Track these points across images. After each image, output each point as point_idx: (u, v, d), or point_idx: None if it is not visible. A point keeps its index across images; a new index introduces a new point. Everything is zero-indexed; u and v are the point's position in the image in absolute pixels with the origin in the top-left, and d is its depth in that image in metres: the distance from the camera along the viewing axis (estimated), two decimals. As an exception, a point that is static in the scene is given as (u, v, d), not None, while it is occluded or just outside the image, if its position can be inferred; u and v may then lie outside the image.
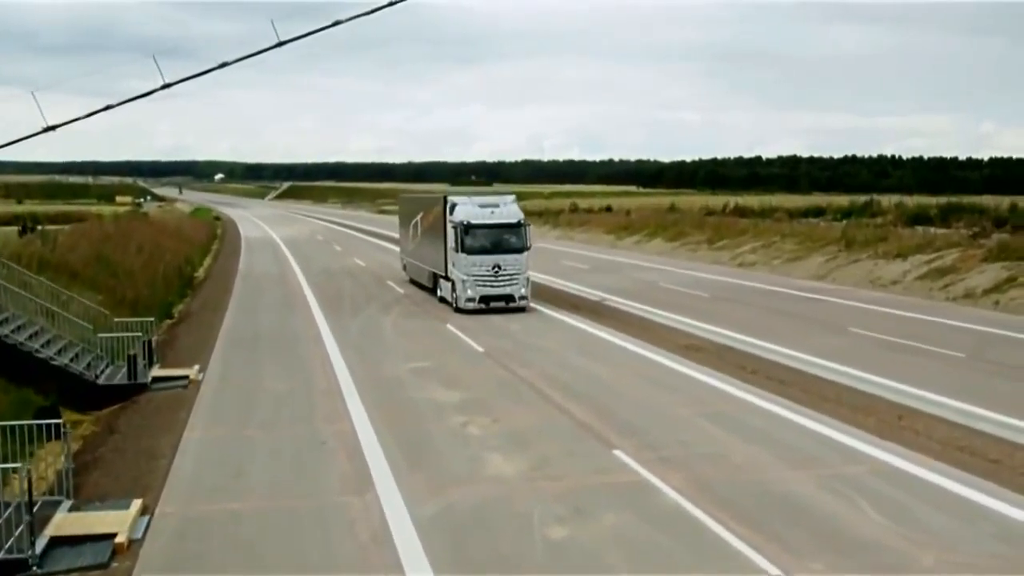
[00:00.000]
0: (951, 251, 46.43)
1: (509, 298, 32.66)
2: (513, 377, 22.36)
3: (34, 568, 11.67)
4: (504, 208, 33.60)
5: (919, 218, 62.73)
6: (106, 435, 18.65)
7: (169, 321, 36.55)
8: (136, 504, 13.58)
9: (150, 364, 23.35)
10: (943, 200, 63.67)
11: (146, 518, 13.27)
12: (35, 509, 12.07)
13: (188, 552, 12.15)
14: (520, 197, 35.71)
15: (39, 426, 18.01)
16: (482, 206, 33.61)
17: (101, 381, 22.19)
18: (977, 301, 38.78)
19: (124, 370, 22.91)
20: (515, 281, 32.61)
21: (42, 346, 21.95)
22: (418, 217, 40.32)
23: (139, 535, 12.69)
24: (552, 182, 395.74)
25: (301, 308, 35.64)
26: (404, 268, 45.07)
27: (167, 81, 19.24)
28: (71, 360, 22.25)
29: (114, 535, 12.45)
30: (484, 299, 32.32)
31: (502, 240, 32.89)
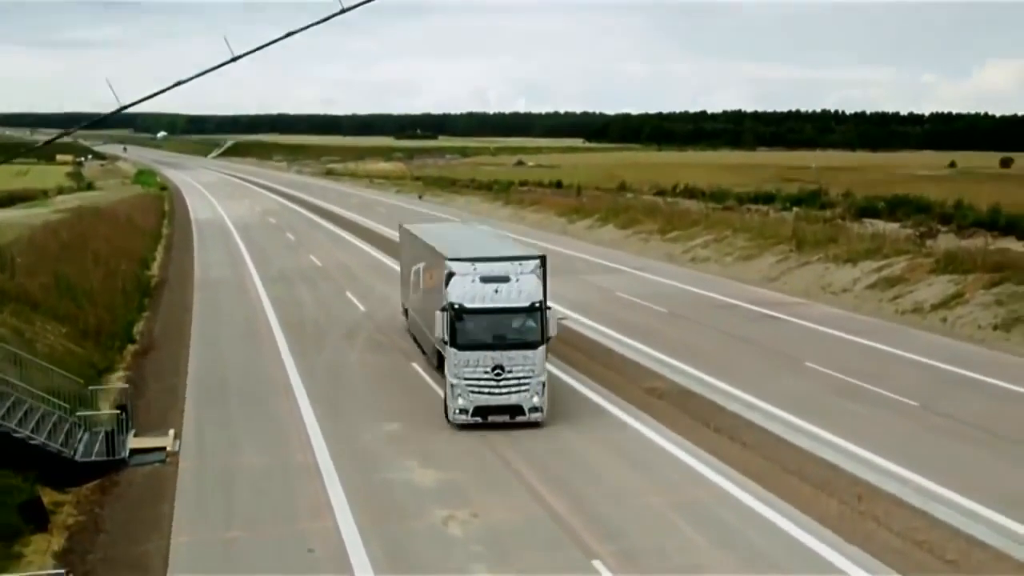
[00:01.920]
0: (899, 259, 47.70)
1: (516, 410, 23.92)
2: (494, 456, 22.94)
3: None
4: (516, 284, 24.64)
5: (867, 211, 64.04)
6: (93, 535, 18.93)
7: (132, 346, 36.64)
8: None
9: (126, 430, 23.52)
10: (889, 195, 64.86)
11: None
12: None
13: None
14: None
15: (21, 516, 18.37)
16: (486, 279, 24.68)
17: (79, 458, 22.40)
18: (925, 316, 40.15)
19: (100, 442, 23.11)
20: (524, 387, 23.86)
21: (19, 422, 22.10)
22: (421, 266, 31.61)
23: None
24: (498, 135, 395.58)
25: (265, 339, 35.81)
26: (404, 313, 36.76)
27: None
28: (48, 436, 22.43)
29: None
30: (480, 411, 23.88)
31: (508, 330, 24.20)
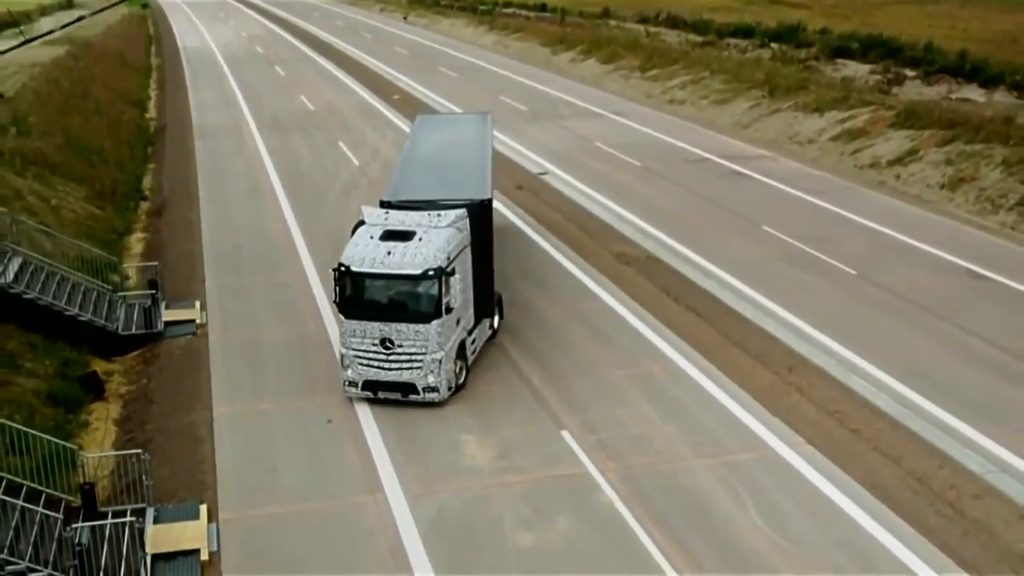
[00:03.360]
0: (864, 110, 50.39)
1: (408, 388, 21.19)
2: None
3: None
4: (415, 245, 21.14)
5: (841, 51, 66.05)
6: (146, 405, 22.64)
7: (145, 204, 39.74)
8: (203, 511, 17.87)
9: (157, 304, 26.90)
10: (863, 33, 66.70)
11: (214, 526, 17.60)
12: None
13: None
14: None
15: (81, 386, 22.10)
16: (387, 236, 21.54)
17: (122, 331, 25.87)
18: (881, 172, 43.29)
19: (139, 315, 26.52)
20: (417, 365, 20.99)
21: (67, 300, 25.50)
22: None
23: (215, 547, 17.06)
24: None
25: (268, 197, 38.77)
26: None
27: None
28: (92, 311, 25.85)
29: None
30: (370, 386, 21.37)
31: (397, 300, 21.18)
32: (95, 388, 23.33)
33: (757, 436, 20.45)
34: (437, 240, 21.29)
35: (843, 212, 36.66)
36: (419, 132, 31.71)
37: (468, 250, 22.47)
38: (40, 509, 16.03)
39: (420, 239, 21.29)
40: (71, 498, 17.71)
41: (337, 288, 21.12)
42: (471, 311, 22.86)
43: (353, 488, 18.73)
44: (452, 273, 20.91)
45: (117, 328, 25.70)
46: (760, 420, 21.08)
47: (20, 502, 15.95)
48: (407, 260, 20.79)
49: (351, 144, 48.27)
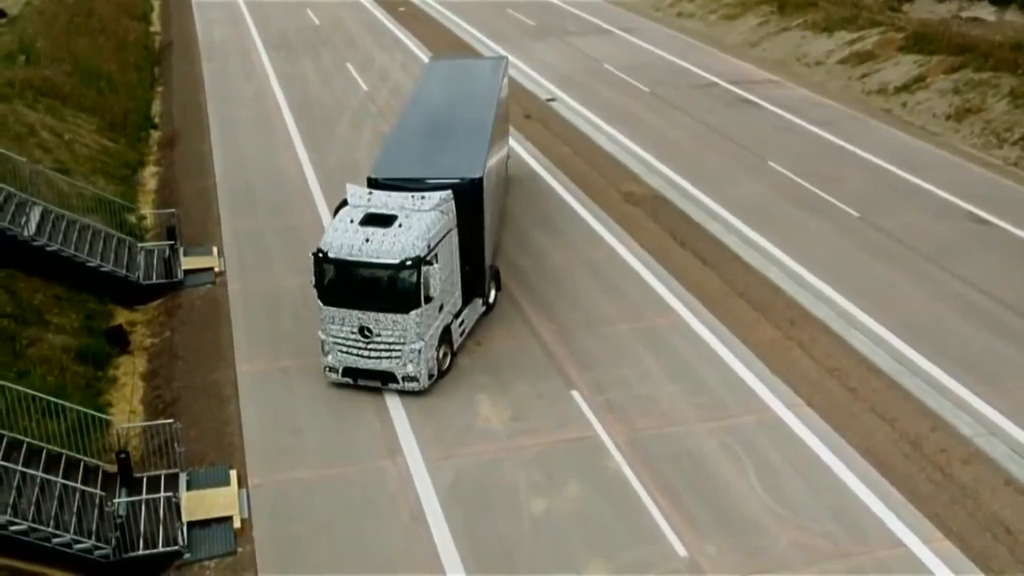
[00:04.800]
0: (873, 31, 50.18)
1: (387, 376, 21.09)
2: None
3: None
4: (395, 232, 20.72)
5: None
6: (171, 360, 23.55)
7: (155, 133, 40.10)
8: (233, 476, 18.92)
9: (177, 253, 27.57)
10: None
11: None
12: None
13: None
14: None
15: (107, 340, 23.00)
16: (367, 221, 21.12)
17: (143, 281, 26.63)
18: (888, 98, 43.48)
19: (157, 263, 27.23)
20: (395, 354, 20.83)
21: (88, 250, 26.22)
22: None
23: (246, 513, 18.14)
24: None
25: (278, 127, 39.08)
26: None
27: None
28: (114, 261, 26.58)
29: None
30: (350, 372, 21.30)
31: (375, 289, 20.70)
32: (121, 342, 24.19)
33: (758, 397, 21.35)
34: (418, 227, 20.74)
35: (849, 147, 37.01)
36: (425, 84, 29.88)
37: (454, 233, 22.04)
38: (79, 486, 16.99)
39: (400, 225, 20.76)
40: (108, 465, 18.66)
41: (315, 274, 20.80)
42: (458, 294, 22.59)
43: (374, 450, 19.69)
44: (432, 262, 20.49)
45: (139, 278, 26.45)
46: (761, 379, 21.95)
47: (60, 479, 16.90)
48: (385, 248, 20.32)
49: (359, 66, 48.25)
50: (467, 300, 23.27)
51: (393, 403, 21.26)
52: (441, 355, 21.89)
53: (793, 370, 22.53)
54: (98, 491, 17.24)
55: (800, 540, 17.20)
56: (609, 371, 22.29)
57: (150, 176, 35.99)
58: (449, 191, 22.08)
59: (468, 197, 22.63)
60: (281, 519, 17.85)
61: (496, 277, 25.21)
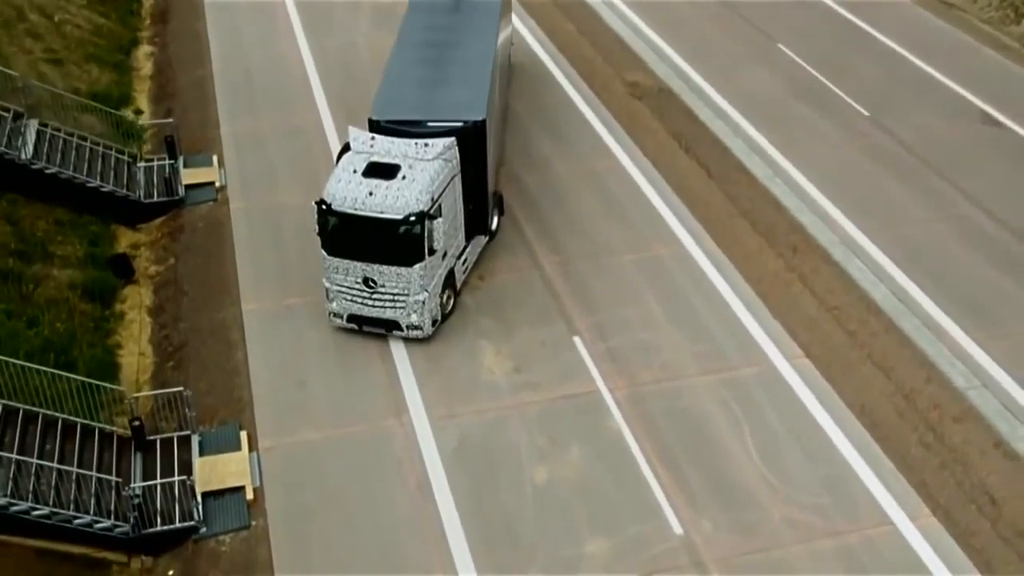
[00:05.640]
0: None
1: (392, 324, 21.49)
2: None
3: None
4: (399, 184, 20.56)
5: None
6: (177, 296, 23.78)
7: (148, 2, 38.86)
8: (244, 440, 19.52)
9: (177, 172, 27.28)
10: None
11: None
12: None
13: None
14: None
15: (112, 270, 23.25)
16: (369, 172, 20.84)
17: (144, 200, 26.53)
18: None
19: (158, 180, 27.03)
20: (400, 304, 21.15)
21: (87, 170, 26.06)
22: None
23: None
24: None
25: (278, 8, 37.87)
26: None
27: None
28: (113, 181, 26.42)
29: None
30: (354, 319, 21.66)
31: (379, 242, 20.67)
32: (126, 271, 24.32)
33: (758, 346, 21.68)
34: (422, 179, 20.57)
35: (863, 25, 35.91)
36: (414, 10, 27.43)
37: (457, 179, 21.82)
38: (95, 474, 17.53)
39: (404, 177, 20.60)
40: (121, 431, 19.21)
41: (319, 223, 20.74)
42: (461, 235, 22.56)
43: (380, 408, 20.15)
44: (436, 216, 20.52)
45: (139, 196, 26.34)
46: (762, 325, 22.23)
47: (76, 468, 17.45)
48: (388, 203, 20.25)
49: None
50: (470, 238, 23.23)
51: (398, 350, 21.65)
52: (445, 299, 22.11)
53: (793, 311, 22.76)
54: (113, 476, 17.75)
55: (792, 516, 17.89)
56: (611, 313, 22.53)
57: (144, 58, 35.16)
58: (452, 139, 21.66)
59: (471, 138, 22.22)
60: (292, 488, 18.51)
61: (499, 203, 25.03)
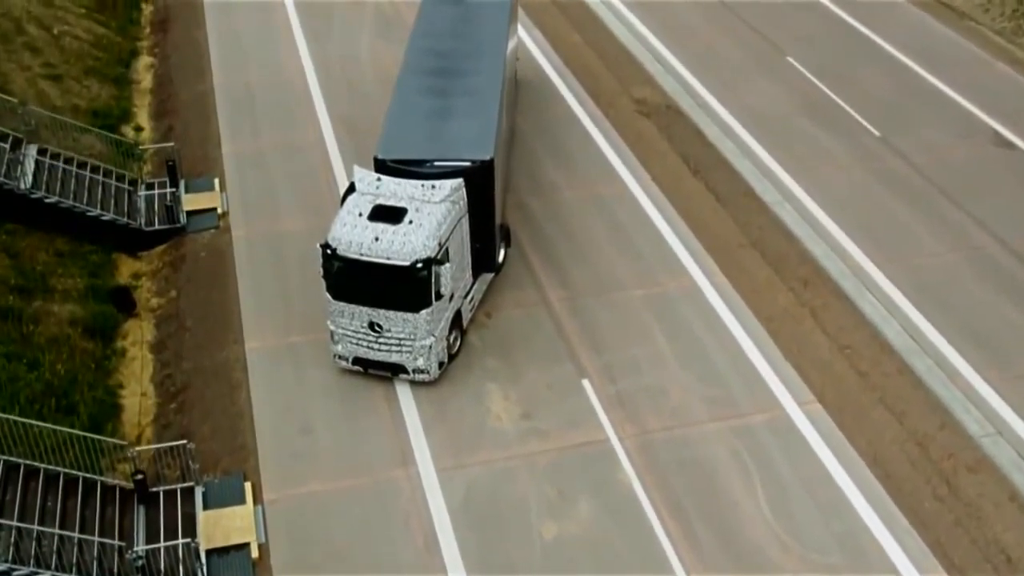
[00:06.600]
0: None
1: (398, 368, 21.08)
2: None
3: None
4: (405, 229, 20.11)
5: None
6: (180, 333, 23.46)
7: (148, 8, 38.37)
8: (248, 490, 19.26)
9: (179, 200, 26.87)
10: None
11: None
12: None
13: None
14: None
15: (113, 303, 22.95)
16: (375, 216, 20.38)
17: (145, 227, 26.16)
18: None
19: (159, 207, 26.65)
20: (406, 348, 20.72)
21: (87, 198, 25.71)
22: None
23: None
24: None
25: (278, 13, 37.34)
26: None
27: None
28: (114, 208, 26.06)
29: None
30: (360, 362, 21.25)
31: (385, 288, 20.17)
32: (127, 305, 24.02)
33: (769, 390, 21.37)
34: (428, 223, 20.14)
35: (871, 34, 35.45)
36: (425, 29, 26.75)
37: (464, 220, 21.46)
38: (97, 539, 17.25)
39: (411, 221, 20.14)
40: (124, 483, 18.95)
41: (323, 267, 20.34)
42: (468, 274, 22.22)
43: (387, 456, 19.82)
44: (443, 261, 20.17)
45: (140, 224, 26.00)
46: (773, 366, 21.90)
47: (77, 534, 17.16)
48: (395, 248, 19.82)
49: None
50: (477, 275, 22.88)
51: (404, 394, 21.35)
52: (452, 339, 21.76)
53: (805, 351, 22.44)
54: (116, 539, 17.50)
55: (805, 571, 17.60)
56: (620, 352, 22.23)
57: (144, 70, 34.72)
58: (460, 180, 21.18)
59: (479, 177, 21.82)
60: (298, 545, 18.25)
61: (506, 236, 24.68)
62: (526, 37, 34.74)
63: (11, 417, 17.97)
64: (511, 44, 27.68)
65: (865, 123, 30.41)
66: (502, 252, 24.38)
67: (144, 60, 35.18)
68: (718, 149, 29.43)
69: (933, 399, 21.31)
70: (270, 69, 33.31)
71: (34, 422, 18.20)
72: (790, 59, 33.90)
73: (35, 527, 16.72)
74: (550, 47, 34.76)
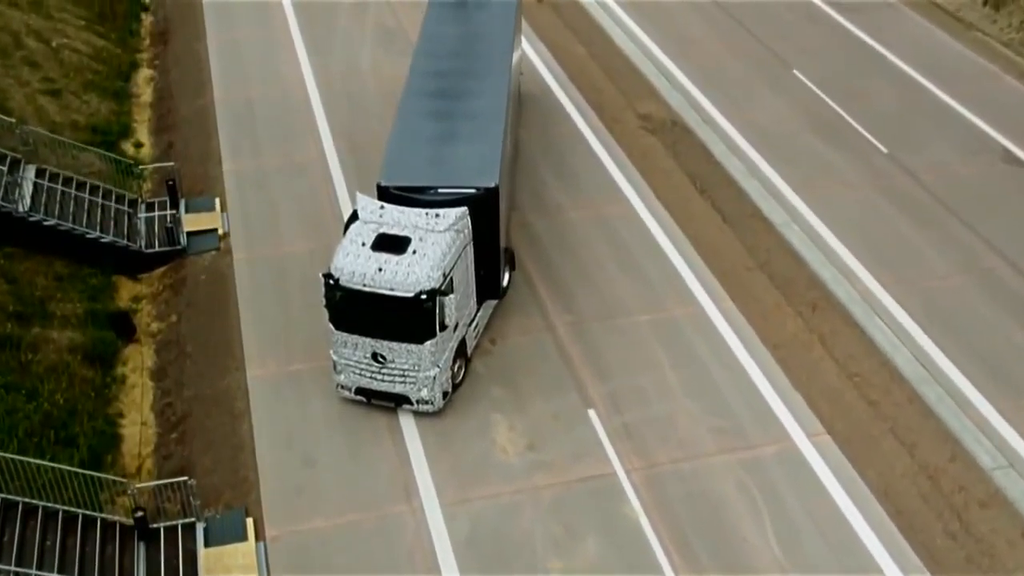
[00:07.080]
0: None
1: (401, 398, 20.76)
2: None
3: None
4: (408, 260, 19.71)
5: None
6: (180, 359, 23.17)
7: (148, 19, 38.05)
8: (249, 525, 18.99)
9: (179, 222, 26.57)
10: None
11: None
12: None
13: None
14: None
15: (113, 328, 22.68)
16: (378, 245, 19.98)
17: (145, 250, 25.87)
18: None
19: (159, 228, 26.35)
20: (410, 380, 20.39)
21: (87, 219, 25.42)
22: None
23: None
24: None
25: (278, 22, 37.00)
26: None
27: None
28: (114, 230, 25.77)
29: None
30: (363, 392, 20.94)
31: (388, 319, 19.80)
32: (127, 330, 23.74)
33: (778, 420, 21.08)
34: (433, 254, 19.77)
35: (877, 47, 35.13)
36: (429, 47, 26.38)
37: (469, 248, 21.15)
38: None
39: (415, 251, 19.77)
40: (124, 519, 18.68)
41: (326, 297, 19.98)
42: (472, 302, 21.87)
43: (391, 490, 19.55)
44: (448, 291, 19.80)
45: (141, 246, 25.70)
46: (780, 395, 21.62)
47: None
48: (399, 279, 19.41)
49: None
50: (481, 302, 22.57)
51: (407, 424, 21.08)
52: (456, 369, 21.46)
53: (814, 379, 22.14)
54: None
55: (814, 615, 17.35)
56: (626, 381, 21.95)
57: (144, 84, 34.40)
58: (464, 209, 20.84)
59: (483, 204, 21.49)
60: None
61: (511, 260, 24.35)
62: (530, 50, 34.44)
63: (8, 456, 17.64)
64: (515, 58, 27.33)
65: (873, 139, 30.06)
66: (506, 276, 24.05)
67: (144, 73, 34.85)
68: (725, 168, 29.11)
69: (944, 429, 21.01)
70: (271, 82, 33.02)
71: (32, 460, 17.89)
72: (796, 72, 33.57)
73: (33, 572, 16.41)
74: (554, 60, 34.40)
